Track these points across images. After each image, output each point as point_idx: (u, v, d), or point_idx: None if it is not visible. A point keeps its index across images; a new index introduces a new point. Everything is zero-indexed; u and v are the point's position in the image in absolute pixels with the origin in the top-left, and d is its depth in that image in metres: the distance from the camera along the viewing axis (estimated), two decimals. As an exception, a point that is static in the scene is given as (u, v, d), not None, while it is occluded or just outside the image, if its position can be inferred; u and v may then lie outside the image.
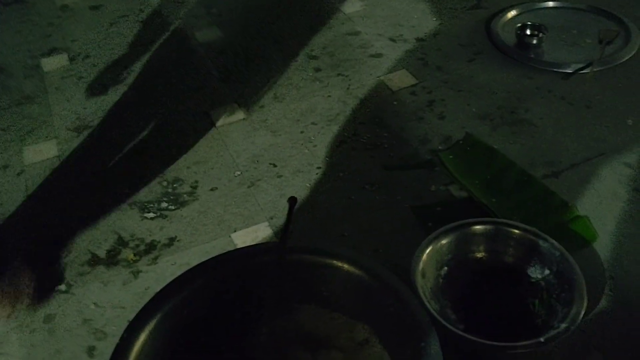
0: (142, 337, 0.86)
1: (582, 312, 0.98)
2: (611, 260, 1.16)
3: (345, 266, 0.92)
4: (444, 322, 0.97)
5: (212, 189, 1.41)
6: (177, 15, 2.03)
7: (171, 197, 1.40)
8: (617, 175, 1.33)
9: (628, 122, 1.47)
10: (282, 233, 0.91)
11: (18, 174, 1.49)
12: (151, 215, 1.36)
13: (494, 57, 1.73)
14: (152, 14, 2.04)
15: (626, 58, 1.66)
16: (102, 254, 1.29)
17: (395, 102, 1.60)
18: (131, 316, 1.16)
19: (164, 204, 1.38)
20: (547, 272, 1.08)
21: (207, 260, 0.94)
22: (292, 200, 0.90)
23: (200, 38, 1.92)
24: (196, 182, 1.43)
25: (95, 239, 1.33)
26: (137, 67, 1.81)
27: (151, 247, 1.30)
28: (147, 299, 1.07)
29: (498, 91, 1.61)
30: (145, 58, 1.84)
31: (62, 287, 1.23)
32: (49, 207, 1.41)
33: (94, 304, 1.20)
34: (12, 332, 1.16)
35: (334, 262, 0.93)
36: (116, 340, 1.13)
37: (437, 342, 0.80)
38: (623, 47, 1.70)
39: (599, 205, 1.27)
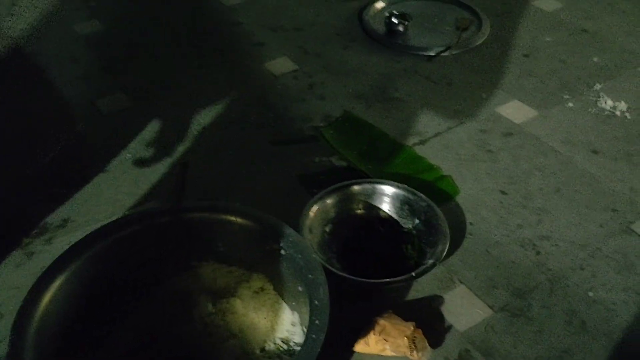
0: (47, 297, 0.89)
1: (445, 250, 1.14)
2: (470, 209, 1.33)
3: (238, 219, 1.01)
4: (327, 266, 1.08)
5: (103, 171, 1.44)
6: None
7: (62, 180, 1.41)
8: (474, 140, 1.52)
9: (482, 95, 1.68)
10: (177, 195, 0.97)
11: None
12: (40, 197, 1.37)
13: (366, 44, 1.89)
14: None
15: (479, 42, 1.89)
16: (-8, 238, 1.29)
17: (279, 86, 1.71)
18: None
19: (55, 189, 1.39)
20: (417, 221, 1.23)
21: (106, 224, 0.99)
22: (183, 165, 0.96)
23: (79, 30, 1.93)
24: (85, 166, 1.45)
25: (-16, 224, 1.31)
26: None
27: (44, 229, 1.31)
28: (44, 275, 1.09)
29: (371, 73, 1.76)
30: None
31: (-47, 271, 1.22)
32: None
33: (-13, 286, 1.20)
34: None
35: (226, 216, 1.01)
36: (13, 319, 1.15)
37: (323, 274, 0.91)
38: (476, 33, 1.92)
39: (460, 166, 1.45)
